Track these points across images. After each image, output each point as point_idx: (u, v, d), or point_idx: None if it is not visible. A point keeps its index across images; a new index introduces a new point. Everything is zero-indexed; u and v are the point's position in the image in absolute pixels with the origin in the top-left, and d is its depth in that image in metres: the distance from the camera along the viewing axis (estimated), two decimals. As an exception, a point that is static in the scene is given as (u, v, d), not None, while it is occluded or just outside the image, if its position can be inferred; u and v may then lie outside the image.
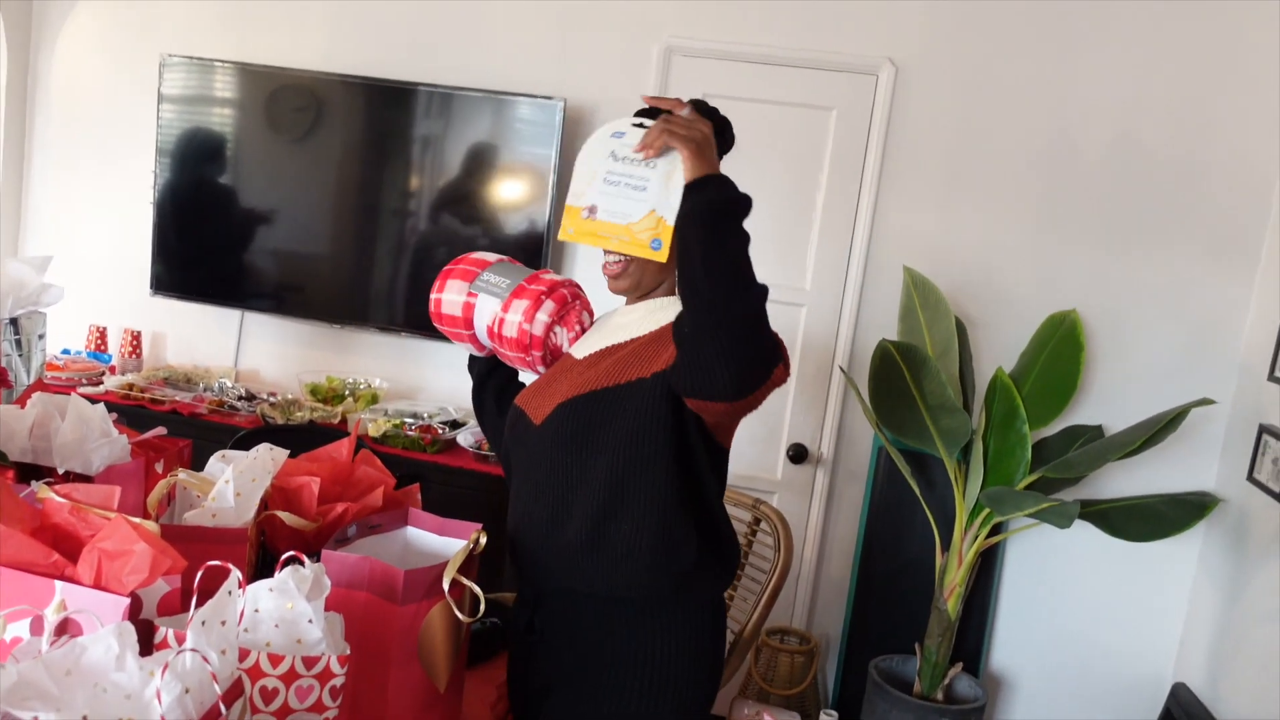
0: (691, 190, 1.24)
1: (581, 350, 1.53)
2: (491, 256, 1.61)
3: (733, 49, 3.04)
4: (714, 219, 1.22)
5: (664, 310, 1.49)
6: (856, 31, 2.97)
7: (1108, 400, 2.91)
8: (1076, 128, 2.89)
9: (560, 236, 1.30)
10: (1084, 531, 2.84)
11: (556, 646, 1.47)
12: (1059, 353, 2.77)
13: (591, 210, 1.27)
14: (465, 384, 1.79)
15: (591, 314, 1.63)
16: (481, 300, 1.54)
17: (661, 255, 1.26)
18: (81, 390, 3.06)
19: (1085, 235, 2.91)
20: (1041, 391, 2.76)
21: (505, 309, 1.51)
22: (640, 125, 1.31)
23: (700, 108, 1.41)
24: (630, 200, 1.26)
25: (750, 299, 1.24)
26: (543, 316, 1.50)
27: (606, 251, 1.44)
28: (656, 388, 1.37)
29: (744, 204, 1.25)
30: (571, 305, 1.56)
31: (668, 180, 1.26)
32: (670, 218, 1.24)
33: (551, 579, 1.46)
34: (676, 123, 1.25)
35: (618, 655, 1.43)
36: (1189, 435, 2.80)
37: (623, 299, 1.54)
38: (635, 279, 1.47)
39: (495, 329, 1.53)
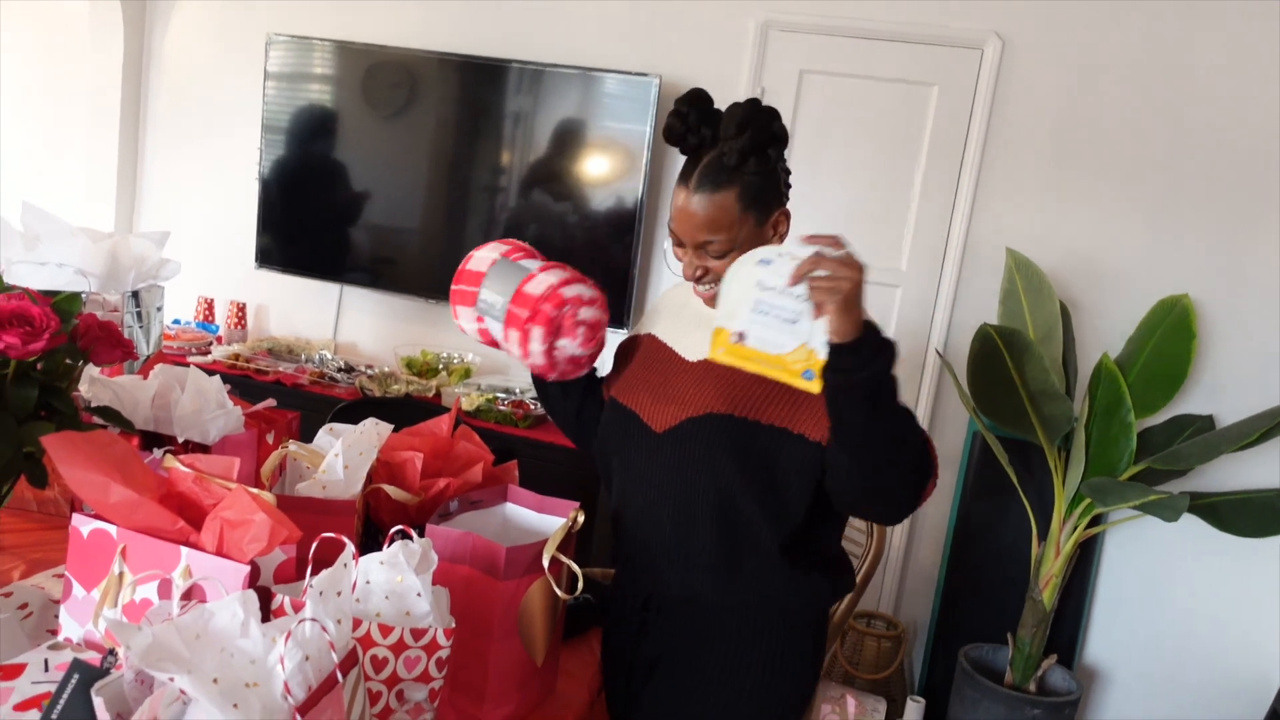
0: (839, 354, 1.19)
1: (690, 350, 1.46)
2: (485, 259, 1.46)
3: (831, 23, 2.97)
4: (871, 396, 1.20)
5: None
6: (962, 4, 2.87)
7: (1220, 389, 2.79)
8: (1191, 104, 2.75)
9: (710, 355, 1.27)
10: (1188, 525, 2.73)
11: (668, 630, 1.49)
12: (1168, 339, 2.66)
13: (741, 336, 1.25)
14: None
15: (600, 305, 1.44)
16: (490, 324, 1.45)
17: (815, 386, 1.23)
18: (191, 359, 3.20)
19: (1198, 217, 2.78)
20: (1148, 379, 2.66)
21: (506, 339, 1.42)
22: (789, 255, 1.22)
23: (755, 108, 1.32)
24: (781, 332, 1.23)
25: (910, 453, 1.26)
26: (536, 347, 1.40)
27: (697, 259, 1.38)
28: (813, 457, 1.36)
29: (891, 382, 1.22)
30: (562, 315, 1.39)
31: (816, 317, 1.22)
32: (821, 352, 1.22)
33: (672, 584, 1.47)
34: (825, 277, 1.17)
35: (730, 646, 1.46)
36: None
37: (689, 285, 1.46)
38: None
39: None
